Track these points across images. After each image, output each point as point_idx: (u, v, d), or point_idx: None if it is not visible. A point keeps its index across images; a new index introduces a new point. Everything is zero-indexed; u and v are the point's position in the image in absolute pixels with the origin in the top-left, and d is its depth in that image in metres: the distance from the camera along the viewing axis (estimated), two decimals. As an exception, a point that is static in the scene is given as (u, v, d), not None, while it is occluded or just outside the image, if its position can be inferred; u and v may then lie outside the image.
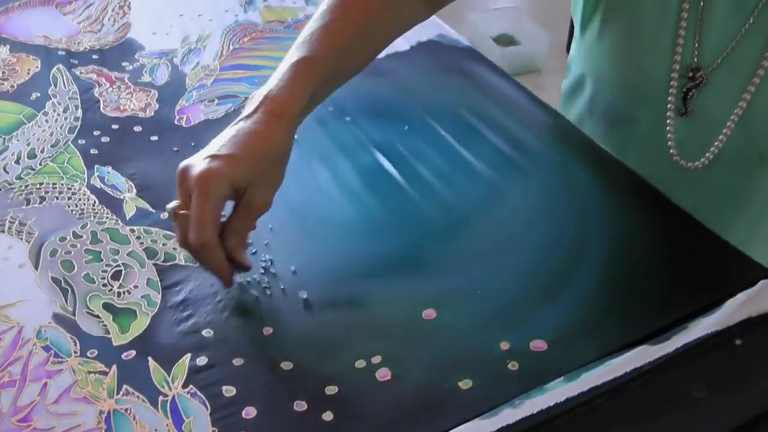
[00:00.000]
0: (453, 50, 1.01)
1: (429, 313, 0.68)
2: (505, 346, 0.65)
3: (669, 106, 0.81)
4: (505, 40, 2.39)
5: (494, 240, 0.75)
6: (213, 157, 0.65)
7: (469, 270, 0.72)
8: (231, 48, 1.01)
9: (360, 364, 0.64)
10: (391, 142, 0.87)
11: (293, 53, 0.72)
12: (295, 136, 0.87)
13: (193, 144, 0.88)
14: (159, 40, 1.06)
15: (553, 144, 0.86)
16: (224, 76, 0.97)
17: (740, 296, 0.67)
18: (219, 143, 0.67)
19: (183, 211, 0.66)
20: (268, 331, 0.67)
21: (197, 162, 0.66)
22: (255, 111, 0.69)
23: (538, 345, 0.65)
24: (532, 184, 0.82)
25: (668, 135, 0.82)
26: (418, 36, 1.03)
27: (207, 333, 0.67)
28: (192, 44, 1.04)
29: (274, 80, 0.71)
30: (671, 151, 0.83)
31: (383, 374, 0.64)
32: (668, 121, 0.81)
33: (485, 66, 0.98)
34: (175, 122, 0.91)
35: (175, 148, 0.87)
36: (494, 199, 0.80)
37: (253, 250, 0.75)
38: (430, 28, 1.04)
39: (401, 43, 1.01)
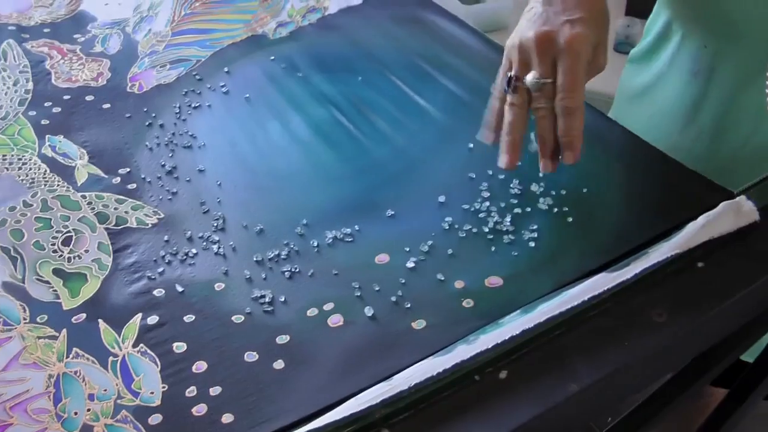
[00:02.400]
0: (406, 0, 0.97)
1: (382, 258, 0.65)
2: (459, 284, 0.62)
3: None
4: (471, -2, 2.35)
5: (447, 182, 0.72)
6: (571, 21, 0.63)
7: (422, 213, 0.69)
8: (183, 13, 0.97)
9: (312, 312, 0.62)
10: (344, 94, 0.83)
11: None
12: (246, 95, 0.85)
13: (145, 109, 0.85)
14: (111, 10, 1.02)
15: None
16: (176, 41, 0.94)
17: (701, 219, 0.63)
18: (558, 9, 0.64)
19: (546, 80, 0.64)
20: (219, 287, 0.65)
21: (555, 28, 0.63)
22: None
23: (494, 281, 0.63)
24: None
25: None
26: (371, -12, 1.00)
27: (158, 293, 0.65)
28: (144, 12, 1.00)
29: None
30: None
31: (335, 320, 0.61)
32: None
33: (439, 14, 0.94)
34: (128, 89, 0.88)
35: (127, 115, 0.84)
36: (447, 142, 0.76)
37: (206, 209, 0.72)
38: (385, -21, 1.00)
39: (354, -3, 0.98)
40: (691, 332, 0.59)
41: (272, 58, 0.90)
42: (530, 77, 0.64)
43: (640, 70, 0.91)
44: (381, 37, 0.90)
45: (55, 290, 0.65)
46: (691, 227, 0.63)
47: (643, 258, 0.62)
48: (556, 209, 0.67)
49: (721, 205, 0.65)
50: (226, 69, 0.89)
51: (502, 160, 0.67)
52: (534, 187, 0.70)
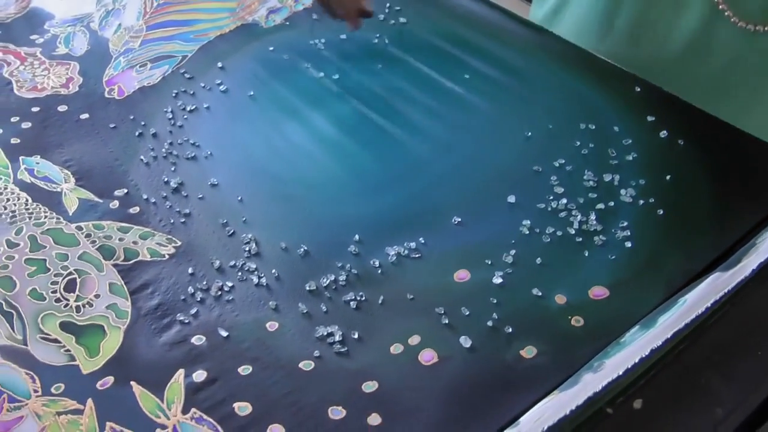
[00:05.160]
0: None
1: (462, 275, 0.53)
2: (561, 299, 0.51)
3: None
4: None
5: (511, 178, 0.60)
6: None
7: (494, 218, 0.57)
8: (155, 4, 0.81)
9: (396, 348, 0.49)
10: (364, 85, 0.70)
11: None
12: (250, 92, 0.70)
13: (132, 117, 0.69)
14: (70, 5, 0.84)
15: (549, 62, 0.70)
16: (153, 35, 0.78)
17: (803, 200, 0.54)
18: None
19: None
20: (272, 326, 0.51)
21: None
22: None
23: (599, 292, 0.51)
24: (536, 110, 0.66)
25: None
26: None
27: (198, 340, 0.51)
28: (109, 5, 0.83)
29: None
30: (721, 6, 0.67)
31: (428, 357, 0.48)
32: None
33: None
34: (106, 95, 0.72)
35: (111, 125, 0.68)
36: (498, 132, 0.64)
37: (230, 230, 0.58)
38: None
39: (349, -25, 0.83)
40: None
41: (271, 48, 0.75)
42: None
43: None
44: (391, 17, 0.76)
45: (68, 350, 0.50)
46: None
47: (753, 250, 0.52)
48: (641, 201, 0.56)
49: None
50: (219, 64, 0.74)
51: None
52: (608, 178, 0.58)
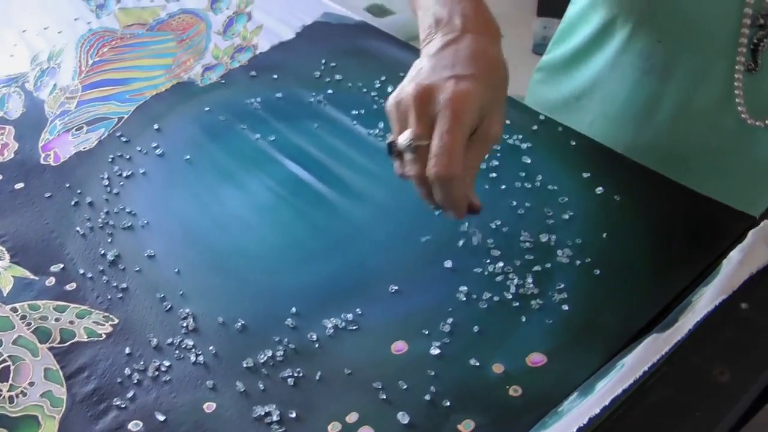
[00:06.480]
0: (344, 28, 0.83)
1: (399, 347, 0.53)
2: (498, 368, 0.51)
3: (738, 59, 0.65)
4: (377, 10, 2.21)
5: (448, 241, 0.60)
6: (457, 77, 0.51)
7: (431, 284, 0.57)
8: (90, 62, 0.80)
9: (334, 427, 0.49)
10: (301, 146, 0.69)
11: None
12: (186, 156, 0.70)
13: (68, 185, 0.68)
14: (3, 64, 0.83)
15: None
16: (89, 96, 0.77)
17: (734, 254, 0.54)
18: (447, 63, 0.52)
19: (421, 141, 0.50)
20: (210, 407, 0.51)
21: (438, 83, 0.51)
22: (462, 33, 0.53)
23: (536, 359, 0.51)
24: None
25: (736, 91, 0.67)
26: (302, 19, 0.85)
27: (135, 426, 0.50)
28: (44, 64, 0.82)
29: (448, 7, 0.55)
30: (739, 108, 0.67)
31: (366, 436, 0.48)
32: (736, 75, 0.66)
33: (383, 39, 0.81)
34: (42, 161, 0.71)
35: (47, 194, 0.67)
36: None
37: (168, 305, 0.57)
38: (314, 7, 0.86)
39: (285, 31, 0.83)
40: (756, 386, 0.50)
41: (207, 108, 0.74)
42: (402, 138, 0.52)
43: (566, 76, 0.81)
44: (326, 74, 0.76)
45: (1, 444, 0.49)
46: (728, 266, 0.54)
47: (689, 309, 0.53)
48: (578, 261, 0.57)
49: (750, 234, 0.56)
50: (155, 126, 0.73)
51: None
52: (545, 238, 0.59)
